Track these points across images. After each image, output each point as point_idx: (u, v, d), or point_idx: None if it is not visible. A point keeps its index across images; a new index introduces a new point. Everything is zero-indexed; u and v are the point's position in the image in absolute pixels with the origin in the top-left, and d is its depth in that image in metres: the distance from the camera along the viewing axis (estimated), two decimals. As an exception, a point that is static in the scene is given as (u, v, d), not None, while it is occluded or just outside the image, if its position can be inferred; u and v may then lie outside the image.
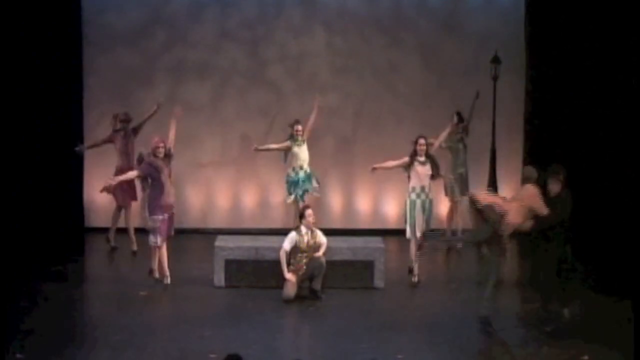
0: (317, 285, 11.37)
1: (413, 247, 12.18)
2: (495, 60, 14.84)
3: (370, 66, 15.41)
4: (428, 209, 12.19)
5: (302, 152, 13.70)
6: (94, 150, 14.38)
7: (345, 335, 9.92)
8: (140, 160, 11.89)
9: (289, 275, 11.31)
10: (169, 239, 11.97)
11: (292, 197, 13.69)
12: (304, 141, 13.71)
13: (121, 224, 13.86)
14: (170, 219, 11.86)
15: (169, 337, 9.84)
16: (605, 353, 9.39)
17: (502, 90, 14.97)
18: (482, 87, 14.86)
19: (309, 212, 11.61)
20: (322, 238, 11.59)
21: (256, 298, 11.28)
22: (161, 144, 11.75)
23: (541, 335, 10.01)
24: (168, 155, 11.83)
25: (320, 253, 11.46)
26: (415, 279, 12.14)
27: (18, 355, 9.03)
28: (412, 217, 12.13)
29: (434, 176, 12.27)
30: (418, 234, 12.14)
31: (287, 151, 13.73)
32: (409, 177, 12.21)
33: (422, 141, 12.20)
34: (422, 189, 12.16)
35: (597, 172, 14.13)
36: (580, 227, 14.11)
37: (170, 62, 15.31)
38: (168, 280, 11.84)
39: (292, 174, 13.69)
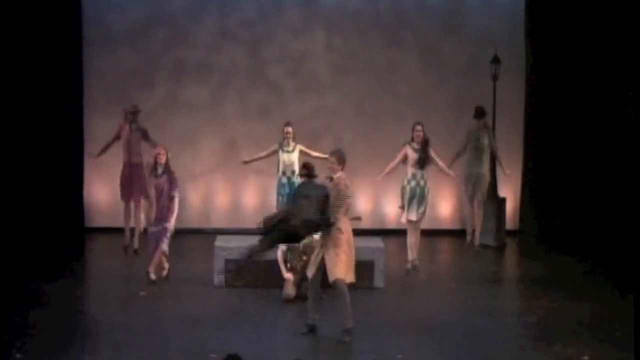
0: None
1: (409, 235, 12.37)
2: (495, 60, 14.83)
3: (370, 66, 15.42)
4: (419, 195, 12.25)
5: (291, 159, 13.21)
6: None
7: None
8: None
9: (287, 275, 11.31)
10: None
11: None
12: (295, 147, 13.23)
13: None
14: (156, 235, 11.79)
15: (169, 337, 9.84)
16: (605, 353, 9.39)
17: (502, 90, 14.96)
18: (482, 87, 14.89)
19: None
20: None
21: (256, 298, 11.29)
22: (162, 152, 11.82)
23: (541, 335, 10.01)
24: (166, 167, 11.83)
25: None
26: (409, 265, 12.26)
27: (18, 355, 9.03)
28: (401, 203, 12.39)
29: (422, 164, 12.22)
30: (411, 218, 12.30)
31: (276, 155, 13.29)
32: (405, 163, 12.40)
33: (418, 127, 12.31)
34: (413, 176, 12.27)
35: (597, 171, 14.14)
36: (581, 225, 14.22)
37: (170, 62, 15.32)
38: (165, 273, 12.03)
39: (284, 179, 13.27)
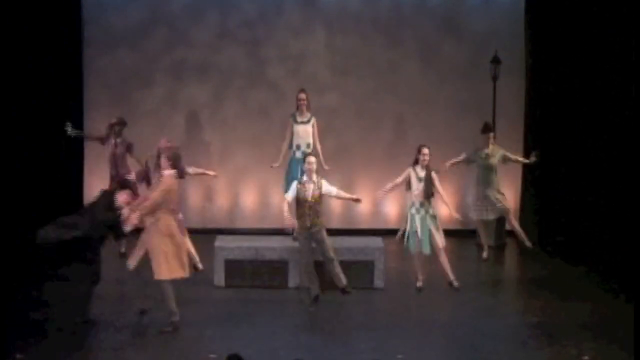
0: (339, 282, 11.11)
1: (417, 262, 11.97)
2: (495, 60, 14.82)
3: (370, 66, 15.40)
4: (432, 224, 11.79)
5: (307, 130, 12.54)
6: (94, 150, 14.37)
7: (345, 336, 9.93)
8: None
9: (288, 217, 11.03)
10: None
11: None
12: (310, 117, 12.57)
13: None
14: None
15: (169, 337, 9.85)
16: (605, 353, 9.39)
17: (502, 90, 14.96)
18: (482, 87, 14.87)
19: (309, 159, 11.32)
20: (328, 187, 11.35)
21: (256, 298, 11.29)
22: (167, 144, 11.69)
23: (541, 335, 10.02)
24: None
25: (341, 193, 11.54)
26: (420, 283, 12.03)
27: (18, 356, 9.04)
28: (412, 232, 11.82)
29: (428, 195, 11.69)
30: (425, 251, 11.83)
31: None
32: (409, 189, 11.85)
33: (425, 150, 11.66)
34: (421, 204, 11.77)
35: (597, 172, 14.14)
36: (581, 226, 14.22)
37: (170, 62, 15.31)
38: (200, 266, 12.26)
39: (298, 154, 12.44)
